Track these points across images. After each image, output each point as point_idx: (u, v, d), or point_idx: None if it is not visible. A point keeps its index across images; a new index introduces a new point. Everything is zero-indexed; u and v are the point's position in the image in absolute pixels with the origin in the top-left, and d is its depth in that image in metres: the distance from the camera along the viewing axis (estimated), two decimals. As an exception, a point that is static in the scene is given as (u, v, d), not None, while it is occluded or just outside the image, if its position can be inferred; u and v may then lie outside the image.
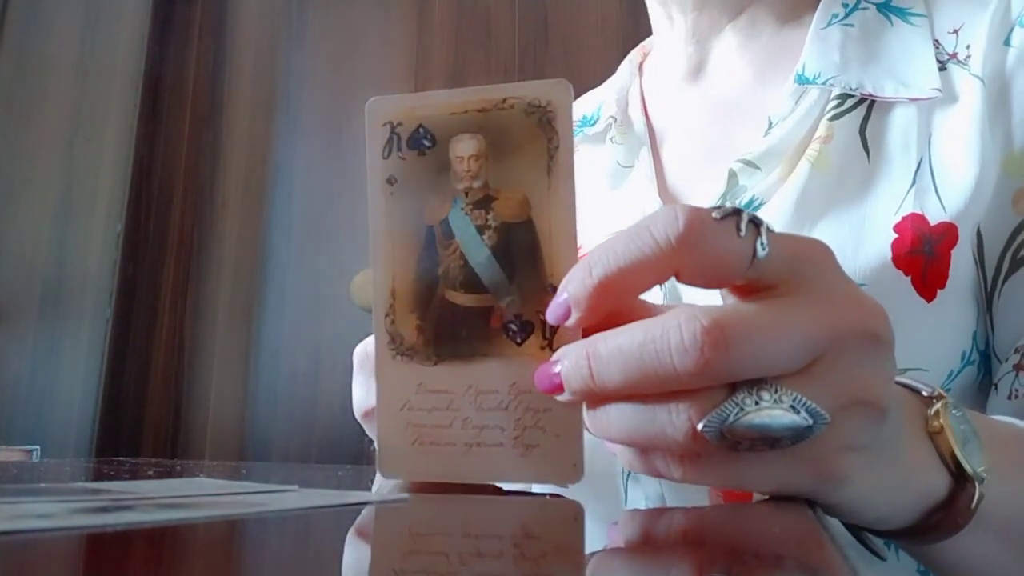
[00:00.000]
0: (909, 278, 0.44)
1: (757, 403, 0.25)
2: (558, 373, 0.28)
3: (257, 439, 1.51)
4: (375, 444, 0.49)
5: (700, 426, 0.25)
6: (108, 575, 0.16)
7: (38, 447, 1.42)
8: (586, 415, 0.29)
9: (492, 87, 0.31)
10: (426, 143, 0.31)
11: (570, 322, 0.28)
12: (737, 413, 0.25)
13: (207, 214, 1.63)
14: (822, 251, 0.28)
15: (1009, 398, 0.44)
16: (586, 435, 0.30)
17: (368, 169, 0.32)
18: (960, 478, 0.31)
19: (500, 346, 0.30)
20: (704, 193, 0.52)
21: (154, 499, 0.26)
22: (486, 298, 0.31)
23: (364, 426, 0.43)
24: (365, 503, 0.28)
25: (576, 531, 0.26)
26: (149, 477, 0.40)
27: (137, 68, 1.66)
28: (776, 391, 0.25)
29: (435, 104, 0.31)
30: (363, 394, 0.41)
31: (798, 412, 0.25)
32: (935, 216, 0.45)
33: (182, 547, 0.19)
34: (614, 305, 0.28)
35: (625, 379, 0.26)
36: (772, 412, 0.25)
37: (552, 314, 0.28)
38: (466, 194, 0.31)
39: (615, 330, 0.27)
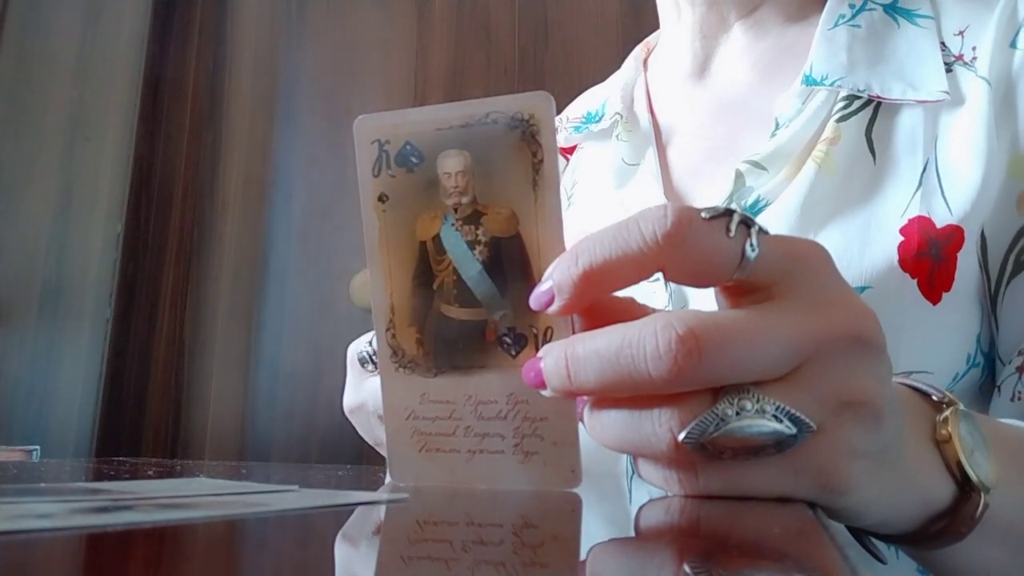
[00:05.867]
0: (915, 281, 0.44)
1: (739, 413, 0.25)
2: (541, 369, 0.28)
3: (257, 439, 1.51)
4: (368, 441, 0.50)
5: (681, 437, 0.25)
6: (108, 575, 0.16)
7: (38, 447, 1.41)
8: (584, 421, 0.29)
9: (475, 102, 0.30)
10: (414, 160, 0.31)
11: (552, 309, 0.28)
12: (718, 424, 0.25)
13: (207, 214, 1.63)
14: (816, 253, 0.28)
15: (1012, 400, 0.43)
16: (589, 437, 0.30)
17: (360, 187, 0.32)
18: (966, 487, 0.31)
19: (496, 358, 0.31)
20: (710, 193, 0.52)
21: (154, 499, 0.26)
22: (480, 312, 0.31)
23: (352, 422, 0.44)
24: (365, 503, 0.28)
25: (573, 522, 0.26)
26: (149, 477, 0.40)
27: (137, 68, 1.66)
28: (758, 400, 0.25)
29: (420, 120, 0.31)
30: (352, 391, 0.42)
31: (781, 421, 0.25)
32: (941, 219, 0.45)
33: (182, 547, 0.19)
34: (597, 296, 0.28)
35: (601, 382, 0.26)
36: (754, 422, 0.25)
37: (535, 300, 0.28)
38: (455, 210, 0.31)
39: (595, 332, 0.26)
